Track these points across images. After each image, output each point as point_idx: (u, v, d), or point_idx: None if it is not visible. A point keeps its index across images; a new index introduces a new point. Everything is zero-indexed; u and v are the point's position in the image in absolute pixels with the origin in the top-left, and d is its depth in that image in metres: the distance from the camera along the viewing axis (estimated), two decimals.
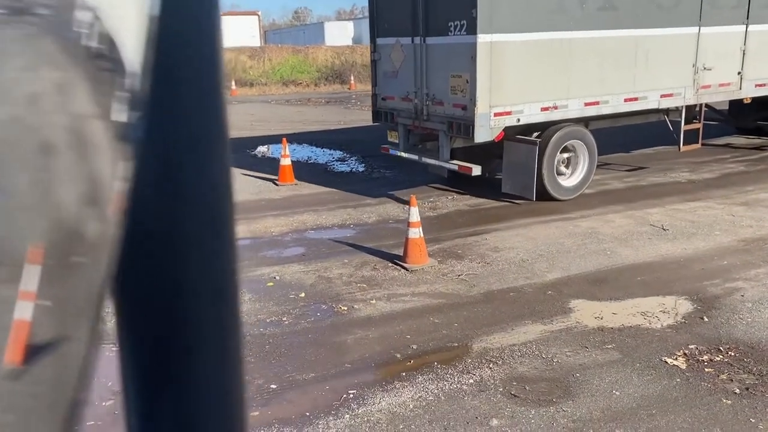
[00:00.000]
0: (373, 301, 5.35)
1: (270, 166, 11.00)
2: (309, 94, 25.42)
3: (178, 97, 0.50)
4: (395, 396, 3.93)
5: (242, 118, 17.86)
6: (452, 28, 7.50)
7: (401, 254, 6.24)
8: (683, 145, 9.55)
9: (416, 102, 8.31)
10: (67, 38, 0.35)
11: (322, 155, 12.22)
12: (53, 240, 0.33)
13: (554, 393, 3.92)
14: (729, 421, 3.58)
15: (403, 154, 8.93)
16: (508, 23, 7.34)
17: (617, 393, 3.89)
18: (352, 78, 26.95)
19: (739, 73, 9.67)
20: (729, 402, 3.76)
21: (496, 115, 7.48)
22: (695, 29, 8.90)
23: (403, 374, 4.19)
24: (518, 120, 7.68)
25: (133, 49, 0.40)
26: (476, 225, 7.47)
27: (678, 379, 4.01)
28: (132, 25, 0.40)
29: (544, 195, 8.04)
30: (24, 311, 0.32)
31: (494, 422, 3.63)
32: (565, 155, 8.36)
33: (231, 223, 0.57)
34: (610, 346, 4.46)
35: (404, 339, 4.66)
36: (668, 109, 9.21)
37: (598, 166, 8.91)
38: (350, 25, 44.36)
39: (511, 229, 7.26)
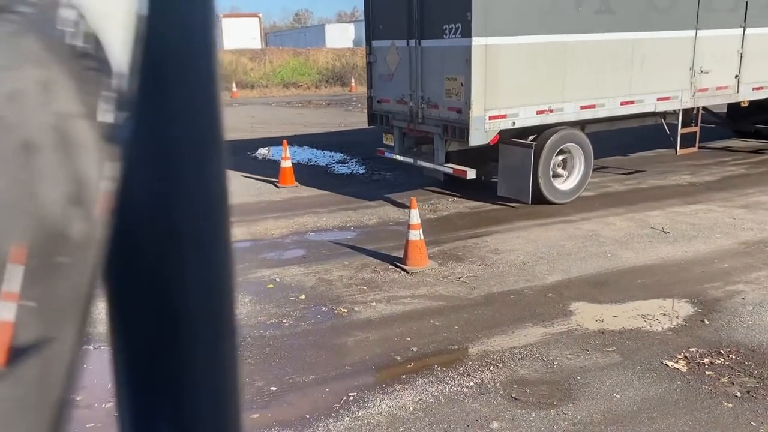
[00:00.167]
0: (374, 304, 5.34)
1: (270, 168, 11.00)
2: (310, 97, 25.43)
3: (171, 97, 0.50)
4: (395, 398, 3.93)
5: (243, 120, 17.86)
6: (447, 31, 7.49)
7: (401, 256, 6.24)
8: (680, 148, 9.52)
9: (411, 105, 8.30)
10: (51, 37, 0.34)
11: (322, 157, 12.22)
12: (37, 240, 0.32)
13: (555, 396, 3.91)
14: (730, 425, 3.57)
15: (398, 157, 8.92)
16: (503, 26, 7.32)
17: (618, 396, 3.88)
18: (352, 80, 26.97)
19: (736, 76, 9.65)
20: (730, 405, 3.75)
21: (491, 118, 7.46)
22: (692, 32, 8.89)
23: (404, 377, 4.18)
24: (513, 123, 7.66)
25: (120, 48, 0.39)
26: (476, 227, 7.47)
27: (679, 382, 4.00)
28: (119, 24, 0.40)
29: (539, 198, 8.01)
30: (7, 312, 0.31)
31: (495, 425, 3.62)
32: (561, 158, 8.34)
33: (226, 223, 0.57)
34: (610, 349, 4.45)
35: (404, 341, 4.66)
36: (665, 112, 9.19)
37: (595, 169, 8.90)
38: (351, 27, 44.40)
39: (512, 232, 7.26)
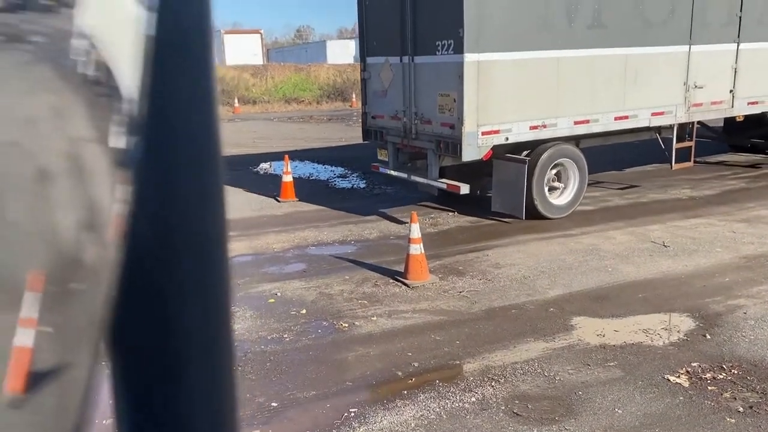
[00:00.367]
0: (374, 318, 5.34)
1: (272, 182, 11.03)
2: (311, 112, 25.55)
3: (171, 115, 0.51)
4: (396, 414, 3.91)
5: (245, 135, 17.94)
6: (440, 48, 7.53)
7: (402, 270, 6.24)
8: (675, 163, 9.50)
9: (405, 120, 8.33)
10: (64, 65, 0.36)
11: (323, 172, 12.26)
12: (53, 266, 0.33)
13: (557, 411, 3.89)
14: None
15: (393, 173, 8.93)
16: (495, 42, 7.35)
17: (620, 411, 3.86)
18: (353, 95, 27.10)
19: (731, 91, 9.67)
20: (732, 420, 3.73)
21: (483, 133, 7.46)
22: (686, 47, 8.92)
23: (405, 392, 4.16)
24: (507, 139, 7.66)
25: (129, 75, 0.41)
26: (477, 241, 7.47)
27: (681, 398, 3.99)
28: (128, 52, 0.41)
29: (534, 214, 7.99)
30: (25, 338, 0.32)
31: None
32: (556, 173, 8.33)
33: (224, 238, 0.58)
34: (612, 364, 4.44)
35: (405, 356, 4.65)
36: (660, 127, 9.19)
37: (590, 183, 8.91)
38: (352, 43, 44.70)
39: (512, 246, 7.26)
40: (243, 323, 5.25)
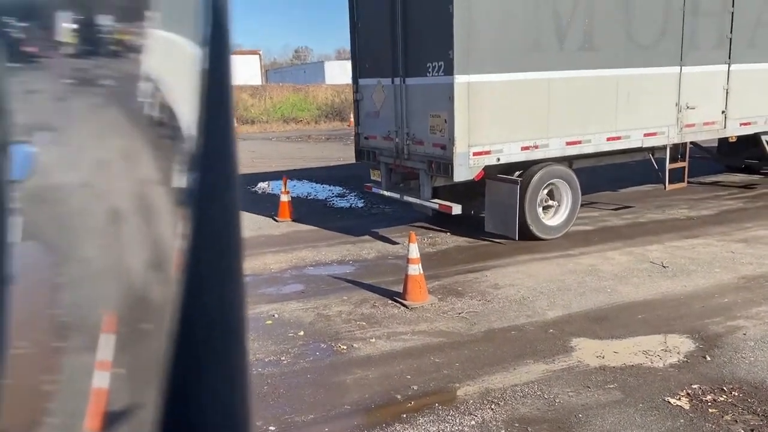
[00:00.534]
0: (373, 340, 5.30)
1: (270, 202, 11.04)
2: (309, 131, 25.68)
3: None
4: None
5: (243, 155, 18.00)
6: (430, 69, 7.58)
7: (401, 291, 6.22)
8: (669, 183, 9.51)
9: (397, 141, 8.36)
10: (132, 108, 0.37)
11: (321, 191, 12.28)
12: (124, 307, 0.34)
13: None
14: None
15: (386, 193, 8.95)
16: (485, 64, 7.40)
17: None
18: (351, 115, 27.24)
19: (723, 111, 9.72)
20: None
21: (475, 154, 7.48)
22: (677, 69, 8.98)
23: (404, 416, 4.13)
24: (498, 159, 7.67)
25: (189, 115, 0.42)
26: (476, 261, 7.46)
27: (682, 420, 3.96)
28: (187, 92, 0.43)
29: (527, 234, 7.97)
30: (101, 380, 0.32)
31: None
32: (548, 194, 8.33)
33: (239, 263, 0.58)
34: (612, 386, 4.41)
35: (404, 379, 4.61)
36: (653, 147, 9.22)
37: (584, 204, 8.91)
38: (350, 64, 45.08)
39: (511, 266, 7.25)
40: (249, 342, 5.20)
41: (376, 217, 9.96)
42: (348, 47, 9.63)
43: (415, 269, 6.08)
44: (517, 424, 3.97)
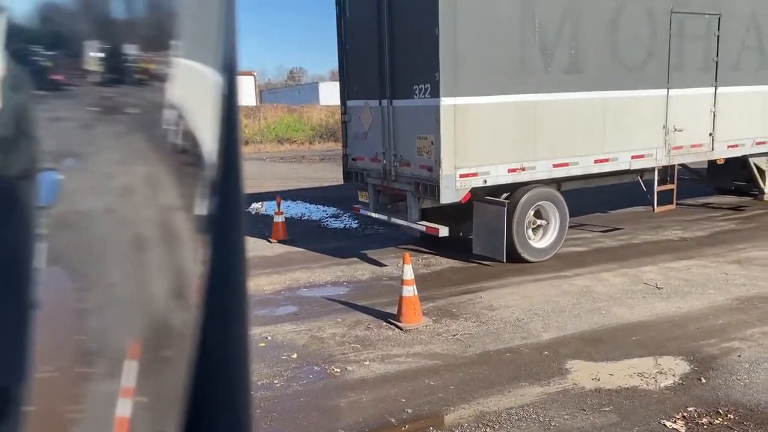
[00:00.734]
0: (367, 363, 5.26)
1: (264, 222, 11.02)
2: (303, 152, 25.76)
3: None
4: None
5: None
6: (417, 91, 7.62)
7: (395, 313, 6.19)
8: (657, 206, 9.51)
9: (385, 163, 8.38)
10: (156, 135, 0.38)
11: (315, 212, 12.28)
12: (147, 334, 0.34)
13: None
14: None
15: (373, 215, 8.95)
16: (471, 86, 7.43)
17: None
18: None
19: (710, 134, 9.78)
20: None
21: (461, 176, 7.48)
22: (664, 92, 9.05)
23: None
24: (485, 181, 7.67)
25: (210, 143, 0.42)
26: (470, 282, 7.45)
27: None
28: (209, 122, 0.43)
29: (515, 257, 7.95)
30: (124, 408, 0.32)
31: None
32: (536, 217, 8.32)
33: (244, 284, 0.58)
34: (607, 409, 4.38)
35: (399, 402, 4.57)
36: (642, 169, 9.25)
37: (573, 226, 8.90)
38: None
39: (506, 287, 7.24)
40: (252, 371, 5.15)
41: (371, 238, 9.95)
42: None
43: (410, 290, 6.06)
44: None
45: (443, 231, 7.80)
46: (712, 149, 9.89)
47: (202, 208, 0.41)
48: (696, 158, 9.96)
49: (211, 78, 0.44)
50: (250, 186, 15.51)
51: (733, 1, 9.63)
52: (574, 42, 8.12)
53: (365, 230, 10.49)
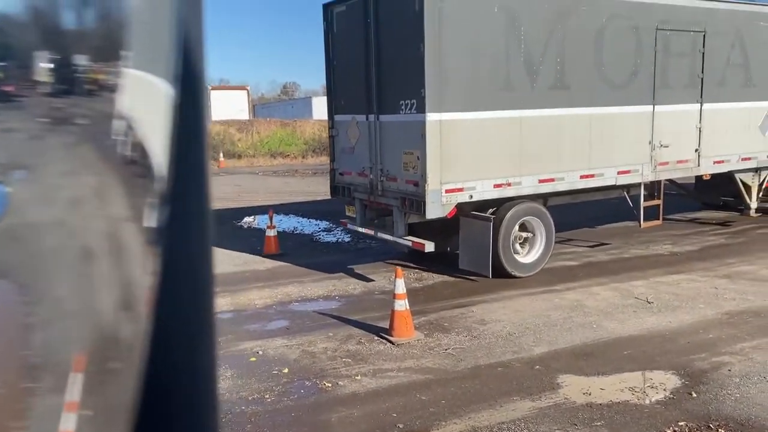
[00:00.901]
0: (359, 377, 5.24)
1: (256, 236, 10.99)
2: (296, 166, 25.76)
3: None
4: None
5: (229, 189, 17.98)
6: (403, 107, 7.65)
7: (387, 327, 6.18)
8: (644, 221, 9.51)
9: (371, 177, 8.38)
10: (105, 146, 0.38)
11: (308, 225, 12.26)
12: (94, 346, 0.34)
13: None
14: None
15: (360, 229, 8.93)
16: (457, 102, 7.47)
17: None
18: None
19: (696, 150, 9.84)
20: None
21: (447, 191, 7.49)
22: (649, 108, 9.11)
23: None
24: (471, 197, 7.68)
25: (160, 155, 0.42)
26: (462, 297, 7.45)
27: None
28: (160, 133, 0.43)
29: (500, 272, 7.94)
30: (68, 423, 0.32)
31: None
32: (522, 232, 8.32)
33: (210, 300, 0.58)
34: (599, 423, 4.37)
35: (390, 417, 4.55)
36: (628, 185, 9.28)
37: (560, 241, 8.87)
38: None
39: (497, 302, 7.25)
40: (223, 383, 5.12)
41: (363, 252, 9.95)
42: None
43: (402, 305, 6.05)
44: None
45: (429, 246, 7.77)
46: (698, 165, 9.95)
47: (152, 219, 0.41)
48: (682, 174, 10.01)
49: (163, 89, 0.44)
50: (242, 200, 15.49)
51: (717, 19, 9.74)
52: (560, 58, 8.19)
53: (357, 244, 10.49)
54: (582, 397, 4.78)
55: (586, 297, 7.32)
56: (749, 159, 10.58)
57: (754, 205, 11.29)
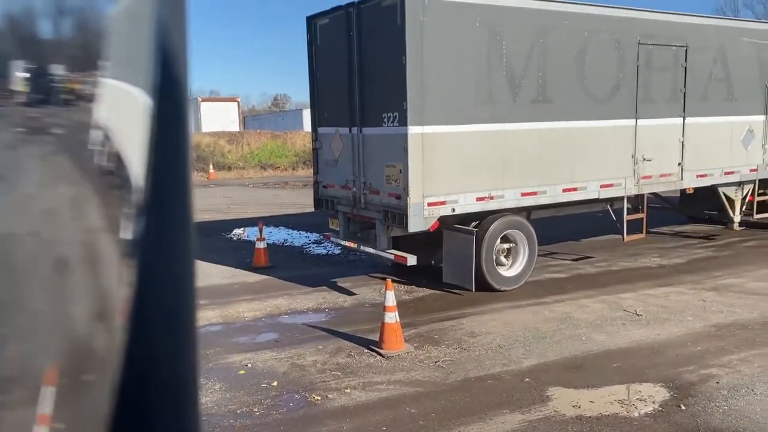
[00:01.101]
0: (348, 390, 5.21)
1: (245, 248, 10.95)
2: (287, 178, 25.73)
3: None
4: None
5: (219, 201, 17.92)
6: (386, 120, 7.65)
7: (377, 339, 6.16)
8: (627, 234, 9.52)
9: (354, 190, 8.36)
10: (81, 156, 0.38)
11: (298, 238, 12.23)
12: (67, 359, 0.33)
13: None
14: None
15: (343, 242, 8.88)
16: (439, 115, 7.47)
17: None
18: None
19: (679, 164, 9.90)
20: None
21: (429, 204, 7.48)
22: (632, 122, 9.17)
23: None
24: (453, 210, 7.67)
25: (138, 165, 0.42)
26: (452, 309, 7.45)
27: None
28: (137, 143, 0.43)
29: (483, 285, 7.92)
30: None
31: None
32: (505, 245, 8.33)
33: (192, 311, 0.57)
34: None
35: (380, 430, 4.52)
36: (612, 198, 9.30)
37: (544, 254, 8.85)
38: None
39: (487, 314, 7.25)
40: (211, 396, 5.08)
41: (353, 264, 9.93)
42: None
43: (392, 317, 6.04)
44: None
45: (411, 260, 7.74)
46: (682, 179, 10.00)
47: (129, 230, 0.41)
48: (665, 187, 10.06)
49: (141, 99, 0.44)
50: (232, 212, 15.44)
51: (699, 34, 9.84)
52: (542, 72, 8.22)
53: (348, 257, 10.47)
54: (571, 410, 4.78)
55: (575, 309, 7.34)
56: (732, 173, 10.67)
57: (737, 218, 11.37)
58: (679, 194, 11.62)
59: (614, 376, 5.39)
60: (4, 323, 0.33)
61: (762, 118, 10.93)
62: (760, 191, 11.33)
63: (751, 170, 10.95)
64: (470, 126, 7.75)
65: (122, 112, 0.43)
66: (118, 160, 0.41)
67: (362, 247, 8.47)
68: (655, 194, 10.57)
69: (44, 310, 0.34)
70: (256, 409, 4.88)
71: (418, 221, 7.44)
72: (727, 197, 11.12)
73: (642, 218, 9.83)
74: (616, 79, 8.92)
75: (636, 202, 9.79)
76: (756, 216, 11.36)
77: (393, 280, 6.74)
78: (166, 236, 0.53)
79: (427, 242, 8.30)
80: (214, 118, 35.49)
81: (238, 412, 4.84)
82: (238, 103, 41.04)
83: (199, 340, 0.60)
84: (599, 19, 8.72)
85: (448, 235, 7.97)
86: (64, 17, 0.40)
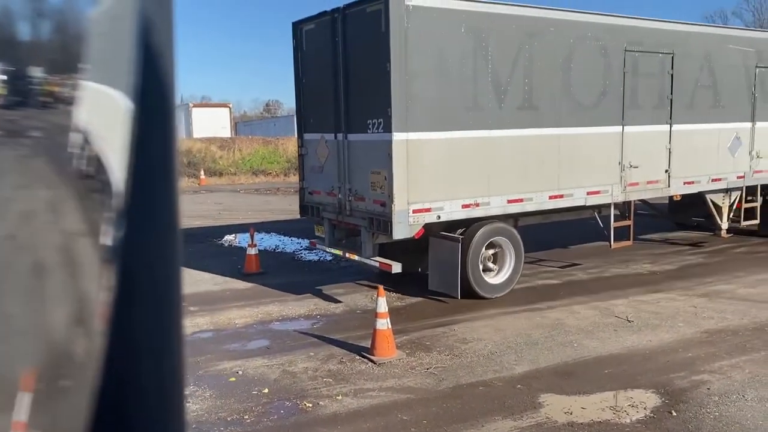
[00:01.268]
0: (340, 397, 5.18)
1: (236, 255, 10.90)
2: (278, 184, 25.69)
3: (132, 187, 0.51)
4: None
5: (210, 207, 17.86)
6: (371, 126, 7.62)
7: (369, 346, 6.13)
8: (614, 242, 9.50)
9: (340, 197, 8.30)
10: (60, 159, 0.37)
11: (289, 244, 12.19)
12: (44, 364, 0.33)
13: None
14: None
15: (329, 249, 8.83)
16: (424, 122, 7.45)
17: None
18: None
19: (666, 171, 9.91)
20: None
21: (414, 211, 7.44)
22: (619, 128, 9.16)
23: None
24: (439, 217, 7.62)
25: (118, 170, 0.41)
26: (444, 315, 7.43)
27: None
28: (118, 147, 0.42)
29: (469, 292, 7.89)
30: None
31: None
32: (491, 252, 8.31)
33: (179, 318, 0.56)
34: None
35: None
36: (599, 205, 9.29)
37: (531, 261, 8.82)
38: None
39: (479, 320, 7.24)
40: (202, 403, 5.03)
41: (345, 271, 9.90)
42: None
43: (383, 324, 6.02)
44: None
45: (396, 267, 7.68)
46: (669, 186, 9.99)
47: (108, 233, 0.40)
48: (652, 194, 10.05)
49: (121, 102, 0.43)
50: (223, 218, 15.39)
51: (686, 41, 9.88)
52: (528, 79, 8.21)
53: (339, 263, 10.44)
54: (563, 417, 4.77)
55: (567, 316, 7.35)
56: (719, 180, 10.70)
57: (725, 225, 11.41)
58: (667, 201, 11.65)
59: (606, 383, 5.39)
60: None
61: (749, 125, 11.00)
62: (748, 198, 11.39)
63: (738, 177, 11.00)
64: (455, 132, 7.72)
65: (102, 115, 0.42)
66: (98, 163, 0.40)
67: (347, 255, 8.40)
68: (643, 201, 10.59)
69: (20, 314, 0.33)
70: (246, 417, 4.84)
71: (403, 228, 7.39)
72: (715, 204, 11.16)
73: (629, 225, 9.82)
74: (602, 86, 8.93)
75: (624, 209, 9.79)
76: (744, 223, 11.39)
77: (385, 288, 6.72)
78: (150, 240, 0.52)
79: (415, 249, 8.27)
80: (205, 124, 35.43)
81: (229, 419, 4.79)
82: (230, 108, 41.01)
83: (185, 346, 0.58)
84: (585, 26, 8.74)
85: (434, 243, 7.93)
86: (43, 19, 0.39)
